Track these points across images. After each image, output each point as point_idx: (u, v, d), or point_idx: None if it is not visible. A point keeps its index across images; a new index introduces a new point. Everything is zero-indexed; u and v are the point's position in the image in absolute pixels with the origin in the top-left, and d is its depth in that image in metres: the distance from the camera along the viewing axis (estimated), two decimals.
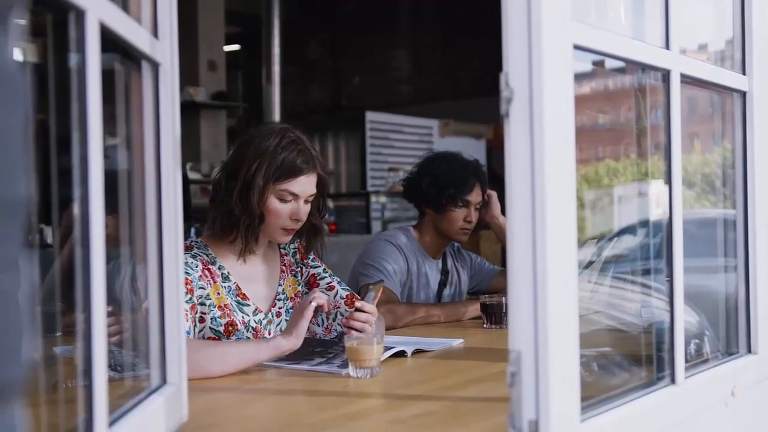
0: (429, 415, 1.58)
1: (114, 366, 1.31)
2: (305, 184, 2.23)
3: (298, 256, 2.43)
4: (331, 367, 1.96)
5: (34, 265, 0.62)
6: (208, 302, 2.17)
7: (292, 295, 2.39)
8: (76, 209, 1.01)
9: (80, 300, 1.01)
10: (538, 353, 1.17)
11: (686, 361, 1.56)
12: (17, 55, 0.59)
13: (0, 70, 0.57)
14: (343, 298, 2.37)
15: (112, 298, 1.13)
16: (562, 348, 1.19)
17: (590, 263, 2.15)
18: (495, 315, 2.67)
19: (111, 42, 1.13)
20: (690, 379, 1.56)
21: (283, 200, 2.21)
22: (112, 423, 1.10)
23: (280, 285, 2.37)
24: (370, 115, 8.03)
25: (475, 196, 3.04)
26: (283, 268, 2.40)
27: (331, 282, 2.41)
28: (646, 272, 1.91)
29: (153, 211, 1.37)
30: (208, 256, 2.24)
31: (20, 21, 0.60)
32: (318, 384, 1.85)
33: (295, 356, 2.04)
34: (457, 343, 2.38)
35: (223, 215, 2.22)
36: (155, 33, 1.36)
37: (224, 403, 1.77)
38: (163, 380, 1.38)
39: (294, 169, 2.19)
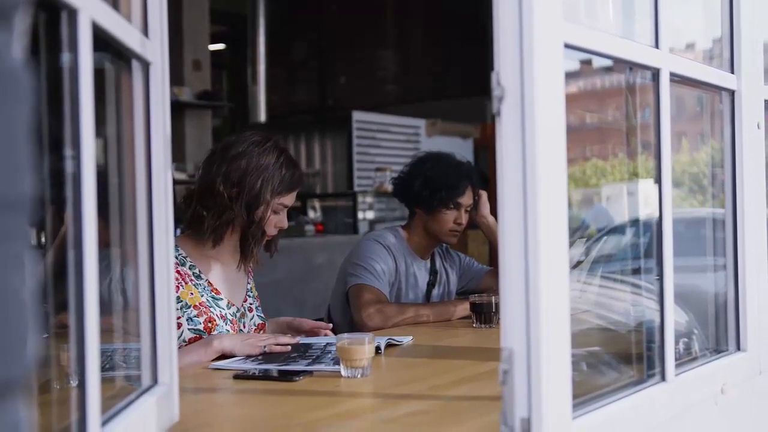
0: (421, 414, 1.58)
1: (104, 366, 1.31)
2: (294, 196, 2.40)
3: (252, 265, 2.54)
4: (327, 365, 1.96)
5: (37, 263, 0.62)
6: (179, 304, 2.22)
7: (257, 294, 2.53)
8: (68, 210, 1.00)
9: (72, 301, 1.01)
10: (531, 351, 1.17)
11: (675, 359, 1.57)
12: (21, 53, 0.59)
13: (5, 69, 0.57)
14: (255, 326, 2.48)
15: (101, 300, 1.13)
16: (554, 346, 1.19)
17: (579, 263, 2.15)
18: (484, 314, 2.68)
19: (101, 40, 1.12)
20: (680, 377, 1.57)
21: (275, 212, 2.34)
22: (104, 423, 1.10)
23: (249, 283, 2.49)
24: (357, 115, 8.02)
25: (466, 199, 3.04)
26: (249, 269, 2.51)
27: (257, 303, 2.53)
28: (635, 271, 1.92)
29: (143, 212, 1.37)
30: (177, 257, 2.28)
31: (24, 19, 0.60)
32: (309, 384, 1.85)
33: (280, 359, 2.04)
34: (407, 340, 2.38)
35: (224, 224, 2.29)
36: (145, 32, 1.36)
37: (215, 403, 1.76)
38: (155, 380, 1.38)
39: (294, 184, 2.36)
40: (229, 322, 2.32)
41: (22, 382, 0.59)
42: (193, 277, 2.30)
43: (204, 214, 2.28)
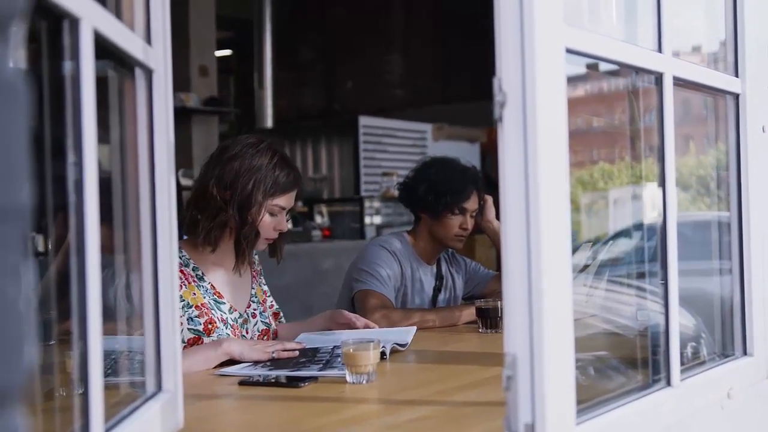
0: (425, 420, 1.58)
1: (107, 371, 1.31)
2: (292, 198, 2.38)
3: (259, 267, 2.56)
4: (341, 370, 1.95)
5: (33, 272, 0.62)
6: (181, 303, 2.22)
7: (262, 300, 2.51)
8: (71, 217, 1.01)
9: (76, 308, 1.01)
10: (534, 356, 1.17)
11: (682, 363, 1.56)
12: (18, 63, 0.60)
13: (2, 79, 0.57)
14: (259, 331, 2.48)
15: (107, 307, 1.13)
16: (557, 351, 1.19)
17: (585, 266, 2.15)
18: (490, 319, 2.67)
19: (103, 48, 1.12)
20: (685, 382, 1.57)
21: (272, 214, 2.34)
22: (108, 430, 1.10)
23: (253, 288, 2.49)
24: (363, 120, 8.02)
25: (471, 204, 3.03)
26: (254, 273, 2.52)
27: (272, 302, 2.59)
28: (641, 275, 1.91)
29: (147, 219, 1.37)
30: (181, 258, 2.29)
31: (20, 29, 0.61)
32: (314, 390, 1.85)
33: (290, 365, 2.04)
34: (411, 332, 2.45)
35: (218, 227, 2.29)
36: (148, 39, 1.36)
37: (220, 410, 1.76)
38: (159, 387, 1.38)
39: (288, 186, 2.34)
40: (229, 327, 2.32)
41: (20, 389, 0.59)
42: (196, 279, 2.31)
43: (199, 218, 2.29)
